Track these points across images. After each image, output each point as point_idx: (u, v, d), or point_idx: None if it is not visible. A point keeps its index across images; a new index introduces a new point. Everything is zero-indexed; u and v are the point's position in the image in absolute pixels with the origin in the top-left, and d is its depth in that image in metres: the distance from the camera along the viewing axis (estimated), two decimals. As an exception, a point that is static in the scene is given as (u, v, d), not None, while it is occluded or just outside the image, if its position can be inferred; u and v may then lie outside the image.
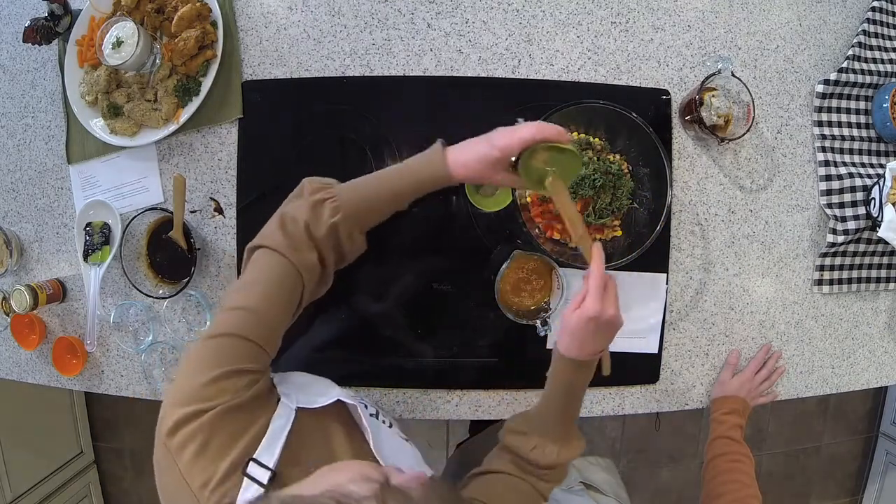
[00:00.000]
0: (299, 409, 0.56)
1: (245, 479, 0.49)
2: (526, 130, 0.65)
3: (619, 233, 0.92)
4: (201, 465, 0.49)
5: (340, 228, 0.66)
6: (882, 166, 1.02)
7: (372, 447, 0.58)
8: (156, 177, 1.01)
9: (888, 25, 1.05)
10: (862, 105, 1.03)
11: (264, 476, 0.49)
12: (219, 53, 0.95)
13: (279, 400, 0.56)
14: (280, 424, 0.53)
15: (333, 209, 0.65)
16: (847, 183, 0.99)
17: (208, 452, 0.49)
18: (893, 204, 0.96)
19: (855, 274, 1.04)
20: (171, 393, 0.52)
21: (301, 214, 0.64)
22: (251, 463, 0.49)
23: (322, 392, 0.61)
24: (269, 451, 0.50)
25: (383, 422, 0.65)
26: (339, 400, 0.61)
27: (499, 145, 0.66)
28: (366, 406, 0.65)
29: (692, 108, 0.93)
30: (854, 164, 1.02)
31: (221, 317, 0.59)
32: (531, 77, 0.98)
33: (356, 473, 0.45)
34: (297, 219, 0.64)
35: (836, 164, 1.01)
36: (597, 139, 0.92)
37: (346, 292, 0.99)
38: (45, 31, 0.98)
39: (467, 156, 0.68)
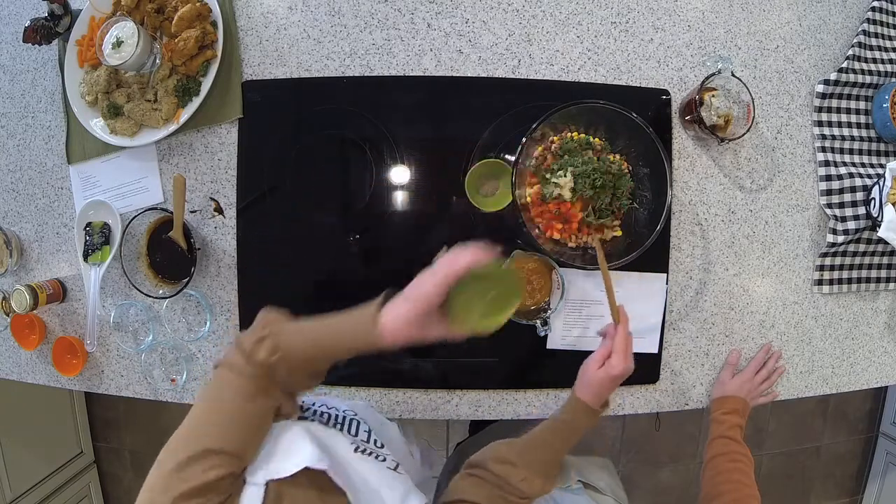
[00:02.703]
0: (269, 483, 0.52)
1: None
2: (438, 271, 0.59)
3: (619, 233, 0.92)
4: None
5: (277, 368, 0.60)
6: (882, 166, 1.02)
7: None
8: (156, 177, 1.01)
9: (888, 25, 1.05)
10: (862, 105, 1.03)
11: None
12: (219, 53, 0.95)
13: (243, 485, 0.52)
14: None
15: (272, 348, 0.60)
16: (847, 183, 0.99)
17: None
18: (893, 204, 0.96)
19: (855, 274, 1.04)
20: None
21: (238, 349, 0.61)
22: None
23: (291, 452, 0.56)
24: None
25: (370, 454, 0.62)
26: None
27: (412, 297, 0.60)
28: (356, 431, 0.63)
29: (692, 108, 0.93)
30: (854, 164, 1.02)
31: (190, 472, 0.50)
32: (531, 77, 0.98)
33: None
34: (244, 347, 0.60)
35: (836, 164, 1.01)
36: (597, 139, 0.92)
37: (346, 293, 0.99)
38: (45, 31, 0.98)
39: (396, 323, 0.60)
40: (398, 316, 0.60)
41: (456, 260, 0.59)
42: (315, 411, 0.72)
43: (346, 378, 0.99)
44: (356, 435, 0.67)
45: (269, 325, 0.62)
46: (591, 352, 0.78)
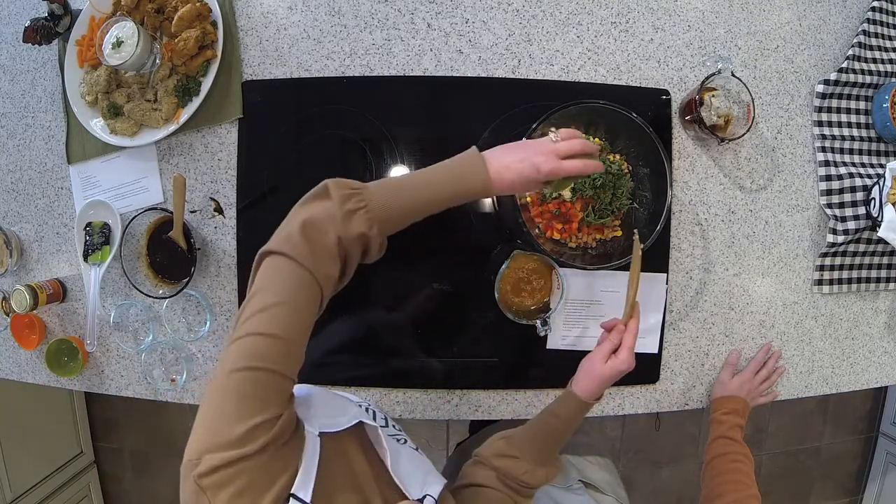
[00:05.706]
0: (322, 435, 0.55)
1: None
2: (573, 167, 0.68)
3: (619, 233, 0.92)
4: None
5: (372, 240, 0.62)
6: (882, 166, 1.02)
7: (390, 468, 0.58)
8: (156, 177, 1.01)
9: (888, 25, 1.05)
10: (862, 105, 1.03)
11: None
12: (219, 53, 0.95)
13: (304, 427, 0.54)
14: (310, 455, 0.52)
15: (368, 220, 0.61)
16: (847, 183, 0.99)
17: (247, 494, 0.47)
18: (893, 204, 0.96)
19: (855, 274, 1.04)
20: (203, 433, 0.50)
21: (330, 224, 0.60)
22: (291, 499, 0.48)
23: (340, 411, 0.60)
24: (305, 485, 0.49)
25: (392, 436, 0.65)
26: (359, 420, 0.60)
27: (544, 171, 0.67)
28: (374, 416, 0.65)
29: (692, 108, 0.93)
30: (854, 164, 1.02)
31: (247, 342, 0.53)
32: (531, 77, 0.98)
33: None
34: (324, 229, 0.59)
35: (836, 164, 1.01)
36: (597, 139, 0.92)
37: (347, 293, 0.99)
38: (45, 31, 0.98)
39: (511, 176, 0.66)
40: (521, 174, 0.67)
41: (588, 166, 0.69)
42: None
43: (346, 379, 0.99)
44: (374, 420, 0.69)
45: (355, 195, 0.61)
46: (589, 352, 0.78)
